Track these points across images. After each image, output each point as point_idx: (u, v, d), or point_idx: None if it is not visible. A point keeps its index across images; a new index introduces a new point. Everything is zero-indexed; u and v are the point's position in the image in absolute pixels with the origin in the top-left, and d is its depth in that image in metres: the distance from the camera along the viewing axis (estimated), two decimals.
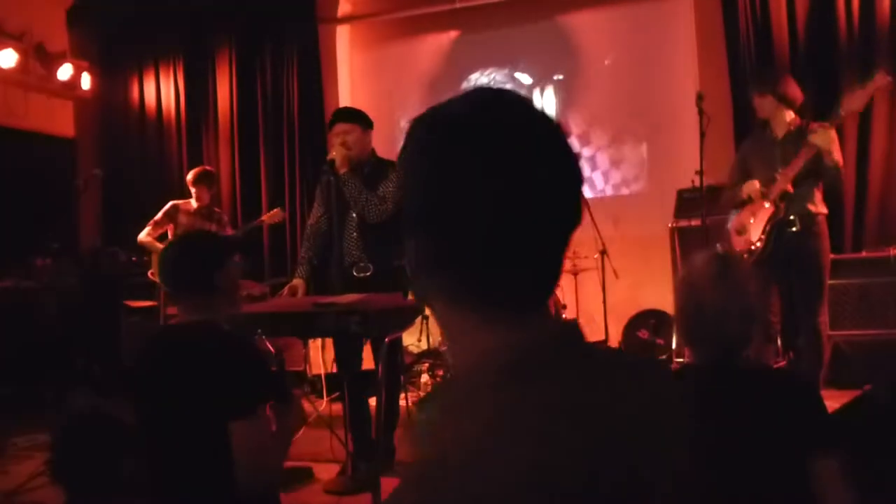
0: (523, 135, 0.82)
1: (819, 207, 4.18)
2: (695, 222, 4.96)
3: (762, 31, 5.75)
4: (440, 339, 5.50)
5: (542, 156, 0.82)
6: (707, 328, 1.70)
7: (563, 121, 0.84)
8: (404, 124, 0.89)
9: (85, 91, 7.18)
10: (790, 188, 4.09)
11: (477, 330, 0.83)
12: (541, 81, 6.92)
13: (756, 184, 4.19)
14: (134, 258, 6.13)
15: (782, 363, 4.72)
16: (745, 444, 1.62)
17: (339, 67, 7.21)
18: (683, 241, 5.28)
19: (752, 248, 4.20)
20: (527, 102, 0.85)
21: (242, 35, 7.31)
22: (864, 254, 5.04)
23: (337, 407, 4.55)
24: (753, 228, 4.24)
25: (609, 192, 6.73)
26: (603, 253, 5.81)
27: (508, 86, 6.86)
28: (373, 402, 3.73)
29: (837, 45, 5.50)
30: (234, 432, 2.01)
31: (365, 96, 7.17)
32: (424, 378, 5.61)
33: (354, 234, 3.90)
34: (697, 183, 4.63)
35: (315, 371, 5.75)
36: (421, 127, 0.86)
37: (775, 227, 4.15)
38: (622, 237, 6.17)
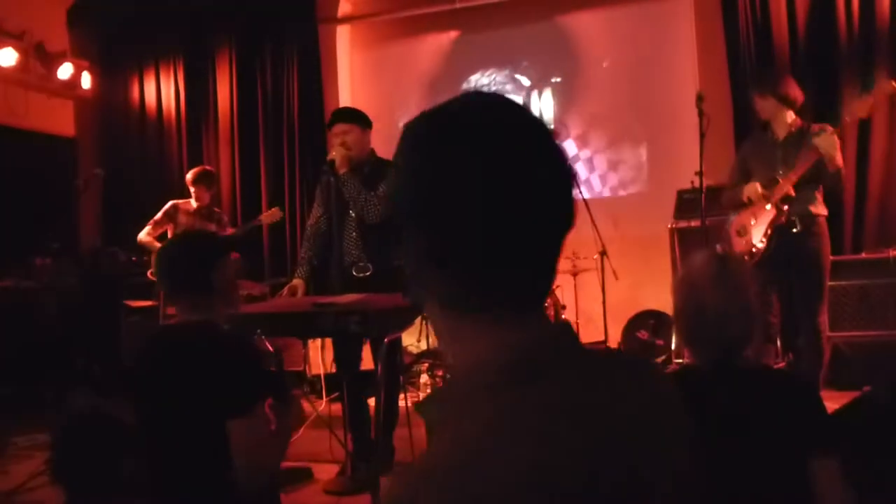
0: (517, 135, 0.82)
1: (819, 209, 4.18)
2: (694, 223, 4.96)
3: (762, 31, 5.76)
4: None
5: (537, 156, 0.82)
6: (707, 329, 1.70)
7: (558, 123, 0.84)
8: (404, 124, 0.89)
9: (85, 90, 7.18)
10: (792, 192, 4.09)
11: (475, 331, 0.83)
12: (541, 82, 6.92)
13: (758, 186, 4.18)
14: (134, 258, 6.12)
15: (782, 364, 4.72)
16: (745, 444, 1.62)
17: (339, 67, 7.21)
18: (683, 242, 5.28)
19: (753, 250, 4.20)
20: (519, 105, 0.85)
21: (242, 35, 7.31)
22: (863, 255, 5.04)
23: (336, 407, 4.55)
24: (755, 231, 4.24)
25: (609, 192, 6.73)
26: (602, 253, 5.81)
27: (508, 86, 6.90)
28: (372, 402, 3.73)
29: (837, 46, 5.50)
30: (231, 431, 2.01)
31: (365, 96, 7.18)
32: (424, 378, 5.61)
33: (354, 234, 3.91)
34: (697, 184, 4.63)
35: (314, 371, 5.75)
36: (415, 129, 0.86)
37: (777, 230, 4.15)
38: (622, 238, 6.18)
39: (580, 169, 6.61)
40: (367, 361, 4.07)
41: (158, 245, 5.48)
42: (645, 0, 6.56)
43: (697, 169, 4.55)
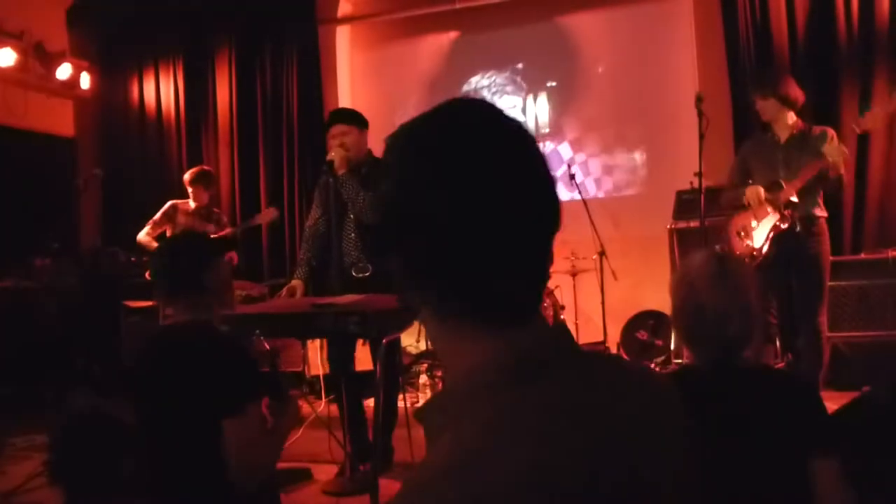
0: (502, 141, 0.83)
1: (820, 210, 4.19)
2: (693, 224, 4.96)
3: (762, 32, 5.76)
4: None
5: (521, 161, 0.83)
6: (707, 328, 1.70)
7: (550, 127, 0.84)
8: (387, 136, 0.89)
9: (84, 91, 7.18)
10: (796, 197, 4.10)
11: (472, 337, 0.83)
12: (540, 83, 6.92)
13: (760, 190, 4.17)
14: (133, 258, 6.12)
15: (781, 364, 4.73)
16: (745, 444, 1.62)
17: (338, 68, 7.21)
18: (682, 243, 5.28)
19: (754, 253, 4.21)
20: (501, 110, 0.86)
21: (242, 35, 7.31)
22: (863, 256, 5.04)
23: (336, 408, 4.54)
24: (756, 234, 4.25)
25: (608, 193, 6.73)
26: (602, 254, 5.82)
27: (509, 87, 6.90)
28: (371, 402, 3.73)
29: (837, 47, 5.50)
30: (224, 431, 2.02)
31: (365, 97, 7.18)
32: (423, 379, 5.60)
33: (353, 234, 3.91)
34: (696, 184, 4.63)
35: (313, 372, 5.74)
36: (401, 140, 0.86)
37: (778, 234, 4.15)
38: (621, 238, 6.18)
39: (579, 169, 6.61)
40: (365, 362, 4.07)
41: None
42: (645, 1, 6.57)
43: (697, 170, 4.56)
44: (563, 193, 5.97)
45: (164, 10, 7.35)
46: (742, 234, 4.34)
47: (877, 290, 4.80)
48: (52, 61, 6.85)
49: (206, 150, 7.40)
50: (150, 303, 5.83)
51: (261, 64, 7.25)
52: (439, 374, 5.39)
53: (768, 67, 5.59)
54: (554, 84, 6.89)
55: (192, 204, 5.78)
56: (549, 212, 0.84)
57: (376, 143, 4.04)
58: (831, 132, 4.20)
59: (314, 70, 7.06)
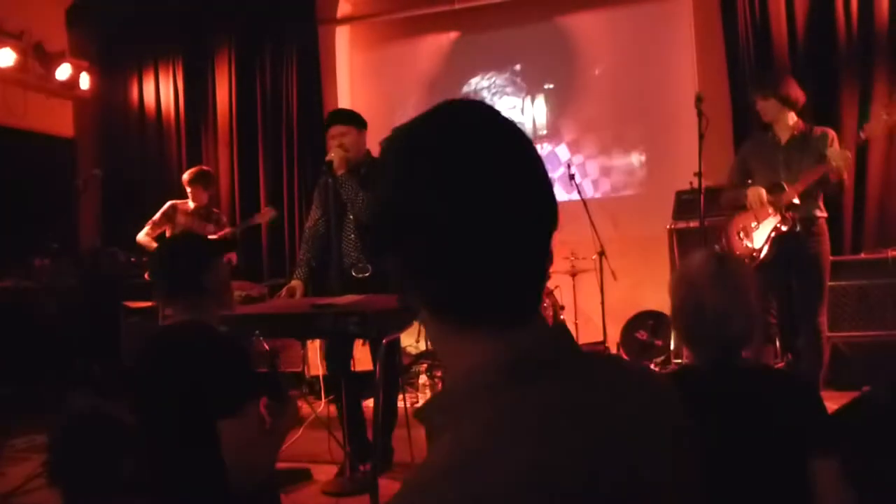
0: (496, 142, 0.82)
1: (820, 211, 4.19)
2: (693, 224, 4.96)
3: (761, 32, 5.76)
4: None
5: (516, 161, 0.83)
6: (706, 328, 1.70)
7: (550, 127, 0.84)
8: (383, 139, 0.89)
9: (84, 91, 7.18)
10: (798, 200, 4.10)
11: (472, 338, 0.83)
12: (539, 83, 6.93)
13: (762, 192, 4.17)
14: (133, 259, 6.12)
15: (781, 364, 4.73)
16: (745, 444, 1.62)
17: (338, 68, 7.20)
18: (682, 243, 5.28)
19: (755, 254, 4.21)
20: (495, 112, 0.86)
21: (242, 35, 7.31)
22: (862, 255, 5.04)
23: (335, 408, 4.54)
24: (756, 235, 4.25)
25: (608, 193, 6.73)
26: (601, 254, 5.82)
27: (508, 88, 6.90)
28: (370, 403, 3.73)
29: (836, 47, 5.51)
30: (222, 430, 2.03)
31: (364, 97, 7.18)
32: (423, 379, 5.61)
33: (352, 235, 3.91)
34: (696, 184, 4.63)
35: (313, 372, 5.75)
36: (395, 144, 0.86)
37: (779, 236, 4.15)
38: (621, 238, 6.19)
39: (579, 169, 6.61)
40: (365, 362, 4.07)
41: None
42: (645, 1, 6.57)
43: (696, 170, 4.56)
44: (563, 194, 5.97)
45: (164, 11, 7.35)
46: (742, 234, 4.34)
47: (877, 289, 4.81)
48: (52, 61, 6.85)
49: (205, 150, 7.40)
50: (149, 303, 5.84)
51: (260, 64, 7.25)
52: (439, 374, 5.39)
53: (769, 69, 5.59)
54: (553, 84, 6.89)
55: (191, 204, 5.78)
56: (547, 211, 0.84)
57: (375, 144, 4.02)
58: (832, 133, 4.20)
59: (314, 70, 7.06)
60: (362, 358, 4.07)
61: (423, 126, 0.85)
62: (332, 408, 4.47)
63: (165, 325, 2.31)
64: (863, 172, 5.39)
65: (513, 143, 0.84)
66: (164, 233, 5.72)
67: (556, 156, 6.74)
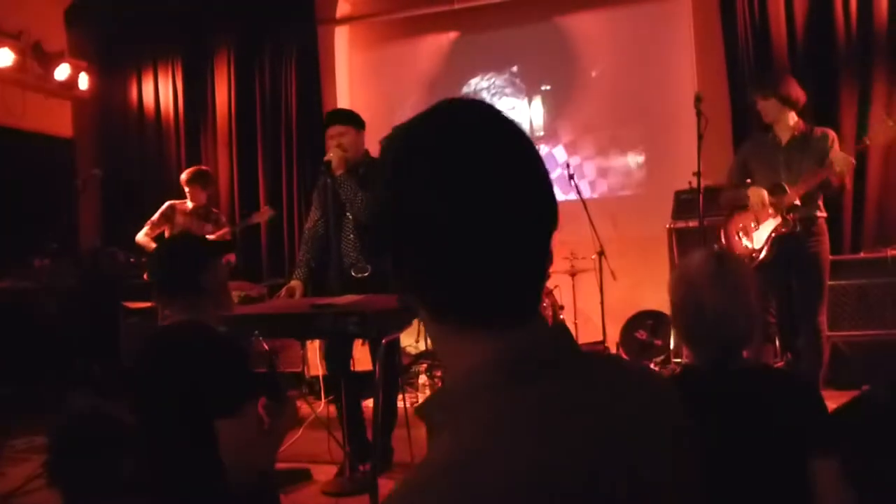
0: (496, 142, 0.82)
1: (819, 211, 4.20)
2: (692, 223, 4.96)
3: (760, 32, 5.76)
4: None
5: (516, 161, 0.82)
6: (706, 328, 1.70)
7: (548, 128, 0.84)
8: (382, 139, 0.88)
9: (83, 91, 7.17)
10: (799, 202, 4.10)
11: (472, 338, 0.82)
12: (539, 83, 6.92)
13: (764, 193, 4.16)
14: (132, 259, 6.12)
15: (780, 363, 4.73)
16: (745, 444, 1.62)
17: (337, 68, 7.20)
18: (681, 242, 5.29)
19: (754, 255, 4.21)
20: (496, 111, 0.85)
21: (241, 35, 7.30)
22: (862, 255, 5.05)
23: (335, 408, 4.55)
24: (756, 235, 4.25)
25: (607, 193, 6.74)
26: (601, 254, 5.82)
27: (508, 89, 6.90)
28: (370, 403, 3.73)
29: (836, 47, 5.51)
30: (219, 430, 2.03)
31: (363, 97, 7.17)
32: (422, 379, 5.61)
33: (351, 235, 3.91)
34: (695, 184, 4.63)
35: (313, 372, 5.74)
36: (395, 144, 0.86)
37: (779, 236, 4.15)
38: (620, 238, 6.19)
39: (578, 169, 6.61)
40: (365, 362, 4.07)
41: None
42: (645, 1, 6.57)
43: (695, 169, 4.56)
44: (561, 194, 5.97)
45: (163, 11, 7.34)
46: (741, 234, 4.34)
47: (876, 289, 4.81)
48: (51, 61, 6.83)
49: (204, 150, 7.40)
50: (149, 304, 5.84)
51: (260, 64, 7.24)
52: (439, 374, 5.39)
53: (769, 69, 5.58)
54: (552, 84, 6.88)
55: (189, 204, 5.78)
56: (547, 211, 0.83)
57: (374, 144, 4.02)
58: (832, 134, 4.20)
59: (313, 70, 7.05)
60: (362, 358, 4.07)
61: (423, 125, 0.85)
62: (332, 408, 4.47)
63: (164, 325, 2.31)
64: (862, 172, 5.39)
65: (513, 142, 0.83)
66: (163, 233, 5.72)
67: (554, 157, 6.75)
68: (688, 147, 4.88)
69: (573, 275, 6.04)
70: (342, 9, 7.19)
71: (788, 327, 4.62)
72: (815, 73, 5.49)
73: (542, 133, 6.87)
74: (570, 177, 5.96)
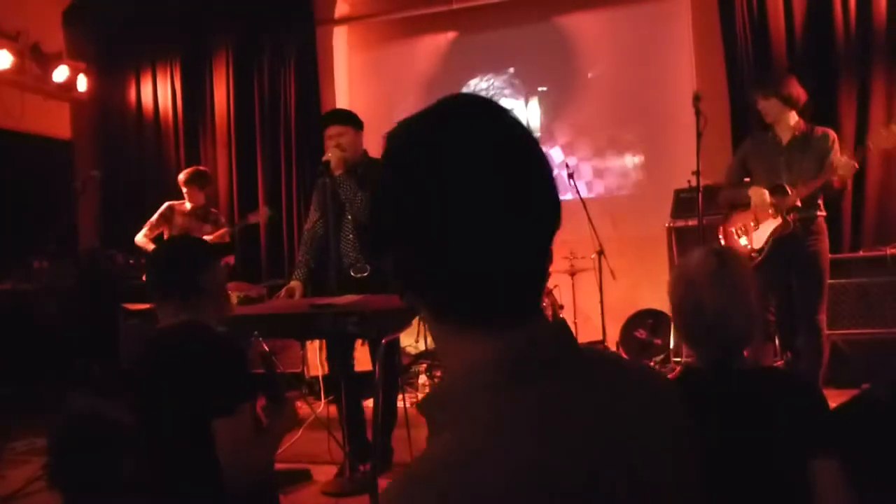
0: (501, 140, 0.82)
1: (819, 210, 4.19)
2: (692, 222, 4.96)
3: (759, 31, 5.76)
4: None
5: (519, 159, 0.82)
6: (706, 327, 1.69)
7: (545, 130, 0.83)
8: (385, 134, 0.88)
9: (81, 92, 7.17)
10: (800, 203, 4.11)
11: (472, 336, 0.82)
12: (538, 83, 6.92)
13: (766, 194, 4.16)
14: (132, 260, 6.11)
15: (780, 362, 4.73)
16: (745, 444, 1.62)
17: (336, 68, 7.20)
18: (680, 241, 5.29)
19: (753, 254, 4.21)
20: (499, 109, 0.85)
21: (240, 36, 7.30)
22: (861, 253, 5.05)
23: (335, 408, 4.55)
24: (756, 235, 4.24)
25: (606, 192, 6.74)
26: (600, 253, 5.82)
27: (507, 90, 6.90)
28: (370, 403, 3.73)
29: (835, 46, 5.51)
30: (216, 430, 2.03)
31: (362, 97, 7.17)
32: (422, 379, 5.61)
33: (351, 235, 3.91)
34: (694, 183, 4.63)
35: (313, 373, 5.74)
36: (398, 141, 0.85)
37: (779, 237, 4.15)
38: (619, 237, 6.19)
39: (578, 169, 6.61)
40: (365, 362, 4.07)
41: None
42: (643, 0, 6.57)
43: (695, 168, 4.55)
44: (561, 194, 5.96)
45: (162, 12, 7.34)
46: (741, 233, 4.33)
47: (876, 287, 4.81)
48: (49, 63, 6.84)
49: (203, 151, 7.39)
50: (148, 305, 5.83)
51: (258, 65, 7.24)
52: (438, 374, 5.39)
53: (769, 68, 5.58)
54: (551, 84, 6.88)
55: (187, 205, 5.77)
56: (549, 211, 0.83)
57: (373, 144, 4.03)
58: (833, 135, 4.19)
59: (312, 71, 7.05)
60: (362, 358, 4.07)
61: (424, 123, 0.84)
62: (332, 408, 4.47)
63: (162, 326, 2.31)
64: (862, 171, 5.37)
65: (516, 141, 0.83)
66: (161, 234, 5.71)
67: (552, 158, 6.74)
68: (687, 146, 4.87)
69: (573, 274, 6.04)
70: (341, 9, 7.19)
71: (788, 326, 4.62)
72: (815, 72, 5.49)
73: (539, 134, 6.86)
74: (570, 176, 5.96)
